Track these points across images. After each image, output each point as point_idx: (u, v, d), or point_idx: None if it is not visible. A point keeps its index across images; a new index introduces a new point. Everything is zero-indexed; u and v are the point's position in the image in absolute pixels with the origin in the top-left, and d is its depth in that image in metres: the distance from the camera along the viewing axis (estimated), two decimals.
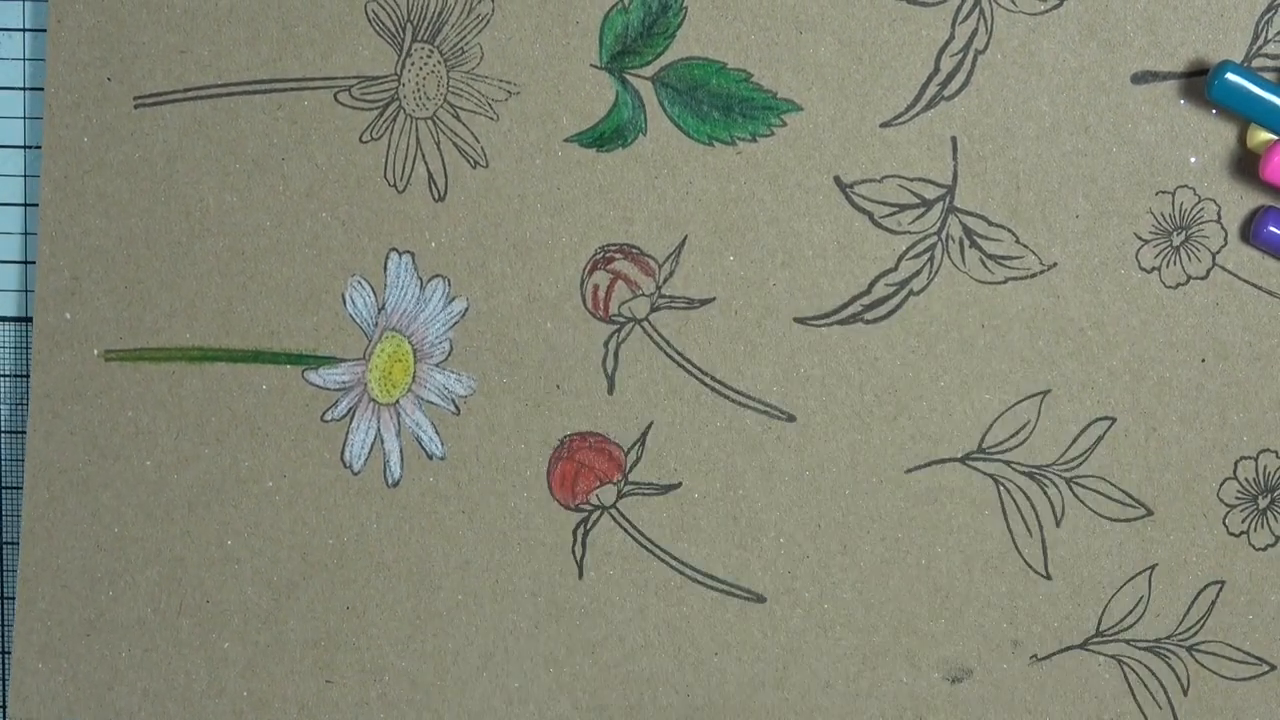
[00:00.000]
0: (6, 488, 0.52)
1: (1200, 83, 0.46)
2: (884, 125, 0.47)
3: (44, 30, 0.49)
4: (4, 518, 0.52)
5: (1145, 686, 0.49)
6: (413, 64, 0.48)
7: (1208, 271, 0.47)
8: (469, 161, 0.48)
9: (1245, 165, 0.46)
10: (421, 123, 0.48)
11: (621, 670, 0.50)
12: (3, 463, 0.52)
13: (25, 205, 0.51)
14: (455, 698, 0.51)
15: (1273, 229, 0.46)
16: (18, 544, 0.51)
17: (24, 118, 0.50)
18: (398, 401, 0.49)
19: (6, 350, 0.51)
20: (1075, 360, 0.48)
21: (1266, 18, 0.46)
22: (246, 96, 0.49)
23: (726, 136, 0.48)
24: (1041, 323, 0.48)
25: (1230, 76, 0.45)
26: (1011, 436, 0.48)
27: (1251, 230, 0.47)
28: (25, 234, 0.51)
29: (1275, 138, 0.46)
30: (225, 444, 0.50)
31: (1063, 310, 0.48)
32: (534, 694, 0.50)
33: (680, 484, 0.49)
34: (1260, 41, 0.46)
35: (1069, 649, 0.49)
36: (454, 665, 0.50)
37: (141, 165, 0.49)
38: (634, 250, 0.48)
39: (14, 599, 0.51)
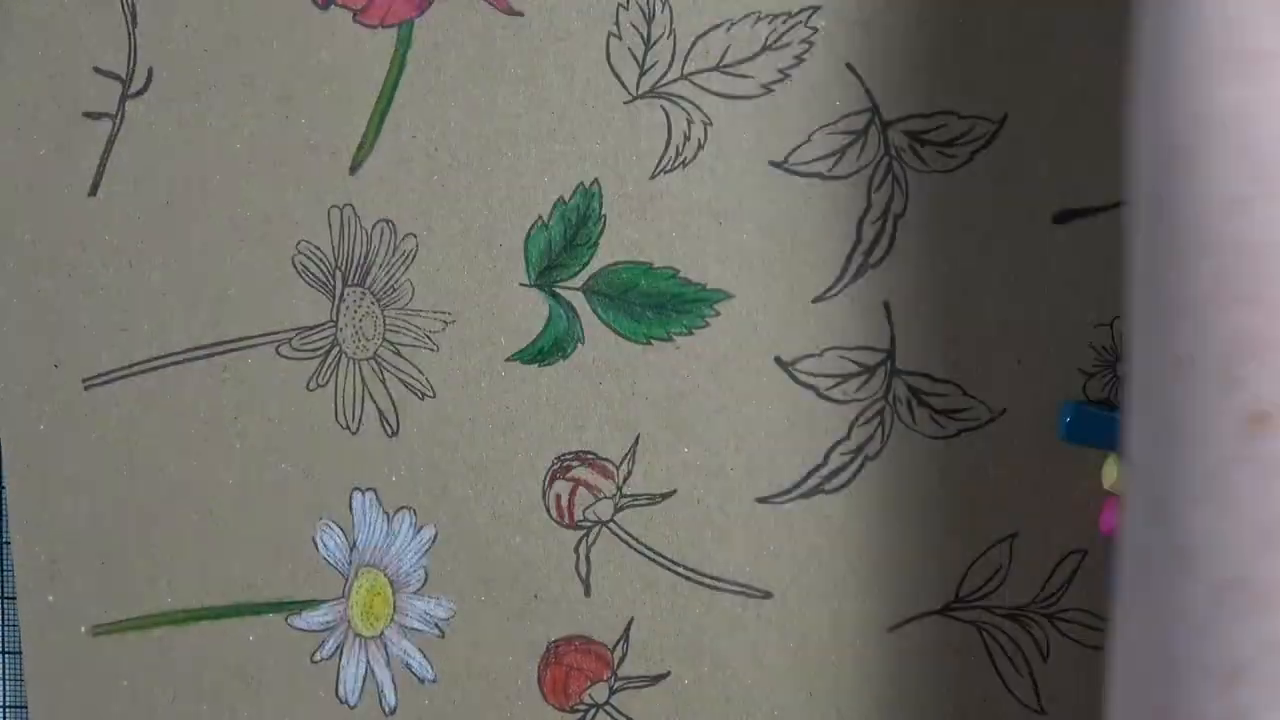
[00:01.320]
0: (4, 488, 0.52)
1: (1123, 211, 0.46)
2: (816, 300, 0.47)
3: None
4: (2, 518, 0.51)
5: None
6: (347, 309, 0.47)
7: None
8: (416, 394, 0.48)
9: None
10: (364, 363, 0.48)
11: None
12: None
13: None
14: None
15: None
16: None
17: None
18: (382, 633, 0.49)
19: None
20: (1038, 499, 0.47)
21: None
22: (191, 363, 0.48)
23: (663, 333, 0.47)
24: (999, 468, 0.47)
25: (1074, 418, 0.45)
26: (987, 582, 0.47)
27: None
28: None
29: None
30: (222, 698, 0.49)
31: (1019, 453, 0.47)
32: None
33: (669, 672, 0.49)
34: None
35: None
36: None
37: (99, 443, 0.49)
38: (590, 456, 0.48)
39: (14, 599, 0.50)
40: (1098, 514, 0.46)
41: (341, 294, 0.47)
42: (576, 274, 0.47)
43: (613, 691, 0.49)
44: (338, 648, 0.49)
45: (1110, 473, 0.45)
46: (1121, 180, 0.45)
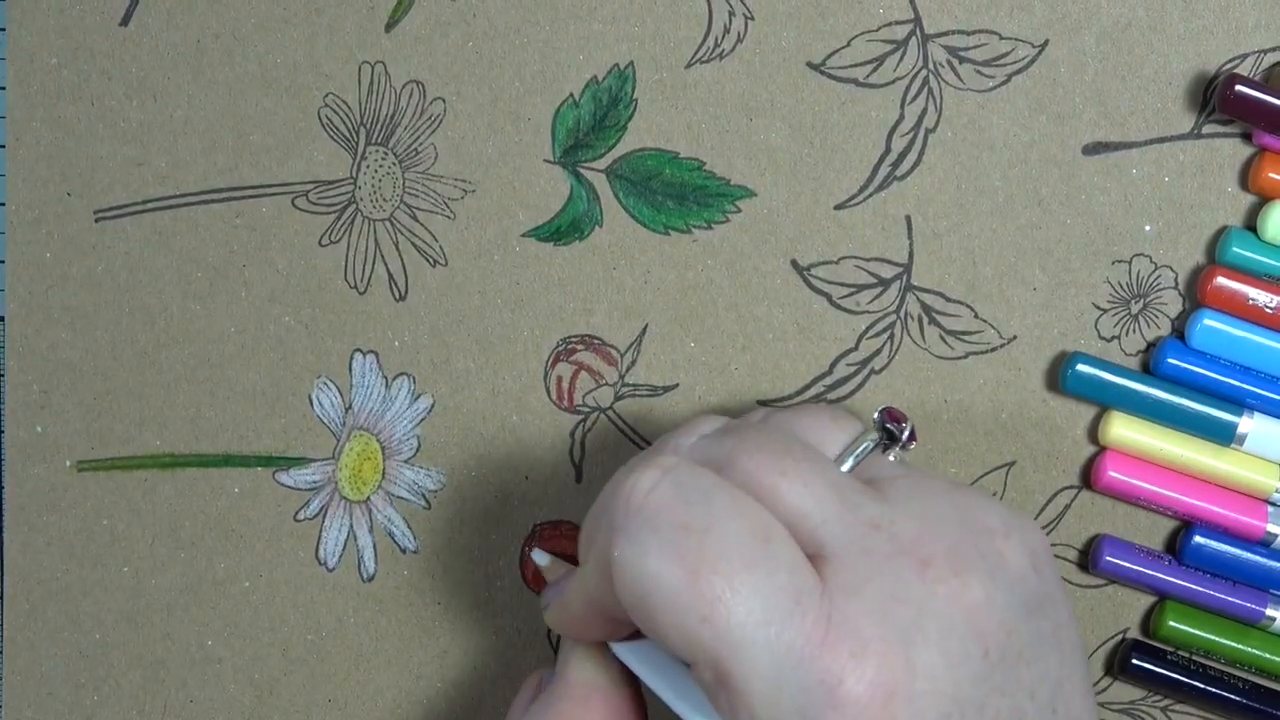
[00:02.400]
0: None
1: (1155, 150, 0.45)
2: (838, 207, 0.46)
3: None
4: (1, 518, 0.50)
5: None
6: (368, 167, 0.46)
7: None
8: (428, 260, 0.47)
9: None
10: (379, 224, 0.47)
11: None
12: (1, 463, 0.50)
13: None
14: None
15: (1109, 559, 0.45)
16: None
17: None
18: (368, 498, 0.48)
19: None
20: (1039, 431, 0.46)
21: (1214, 86, 0.45)
22: (205, 205, 0.47)
23: (682, 225, 0.46)
24: (1004, 395, 0.46)
25: (1081, 368, 0.44)
26: None
27: (1090, 561, 0.46)
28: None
29: (1124, 436, 0.44)
30: (200, 547, 0.48)
31: (1024, 382, 0.46)
32: None
33: None
34: (1209, 109, 0.45)
35: None
36: None
37: (105, 277, 0.47)
38: (595, 341, 0.47)
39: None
40: (1093, 463, 0.46)
41: (364, 152, 0.46)
42: (601, 155, 0.46)
43: None
44: (322, 509, 0.48)
45: (1109, 428, 0.45)
46: (1155, 117, 0.45)
